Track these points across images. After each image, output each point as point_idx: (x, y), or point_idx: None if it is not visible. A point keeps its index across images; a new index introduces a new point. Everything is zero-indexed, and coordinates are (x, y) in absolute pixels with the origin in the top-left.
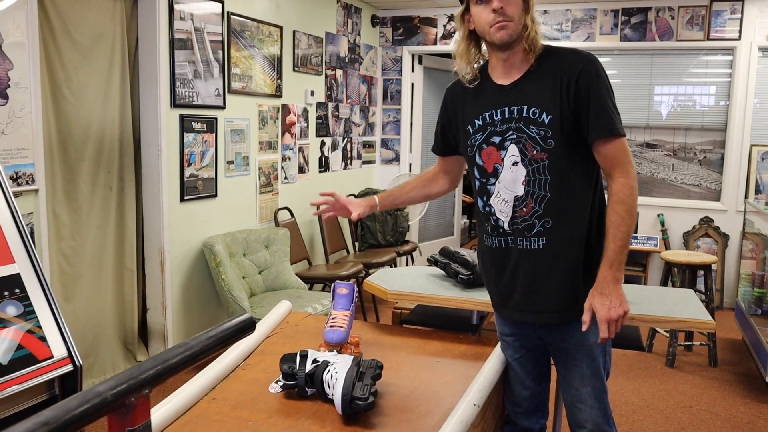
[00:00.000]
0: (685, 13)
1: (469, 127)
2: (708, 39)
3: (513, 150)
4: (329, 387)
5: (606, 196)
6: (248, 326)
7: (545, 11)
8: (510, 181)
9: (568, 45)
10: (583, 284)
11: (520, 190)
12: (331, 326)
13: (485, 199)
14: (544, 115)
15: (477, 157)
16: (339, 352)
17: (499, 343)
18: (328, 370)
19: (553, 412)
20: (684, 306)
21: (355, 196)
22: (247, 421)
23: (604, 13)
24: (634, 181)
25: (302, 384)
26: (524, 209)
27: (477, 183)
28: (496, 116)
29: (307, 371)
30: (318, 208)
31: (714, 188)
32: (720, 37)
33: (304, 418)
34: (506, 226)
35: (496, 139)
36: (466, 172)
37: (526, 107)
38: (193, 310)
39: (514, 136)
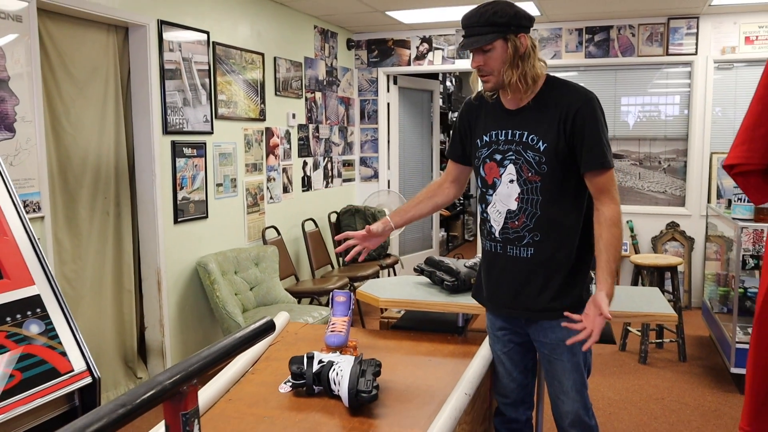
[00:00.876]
0: (645, 30)
1: (478, 140)
2: (667, 54)
3: (511, 169)
4: (335, 384)
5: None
6: (270, 327)
7: None
8: (505, 196)
9: None
10: (565, 289)
11: (514, 206)
12: (332, 331)
13: (483, 206)
14: (540, 143)
15: (481, 169)
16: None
17: (485, 340)
18: (334, 369)
19: (536, 405)
20: (650, 303)
21: (338, 214)
22: (263, 417)
23: (569, 32)
24: (619, 206)
25: (310, 383)
26: (516, 222)
27: (479, 191)
28: (501, 136)
29: (314, 371)
30: (345, 254)
31: (679, 194)
32: (678, 52)
33: (314, 412)
34: (497, 234)
35: (498, 157)
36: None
37: (526, 133)
38: (189, 328)
39: (513, 157)
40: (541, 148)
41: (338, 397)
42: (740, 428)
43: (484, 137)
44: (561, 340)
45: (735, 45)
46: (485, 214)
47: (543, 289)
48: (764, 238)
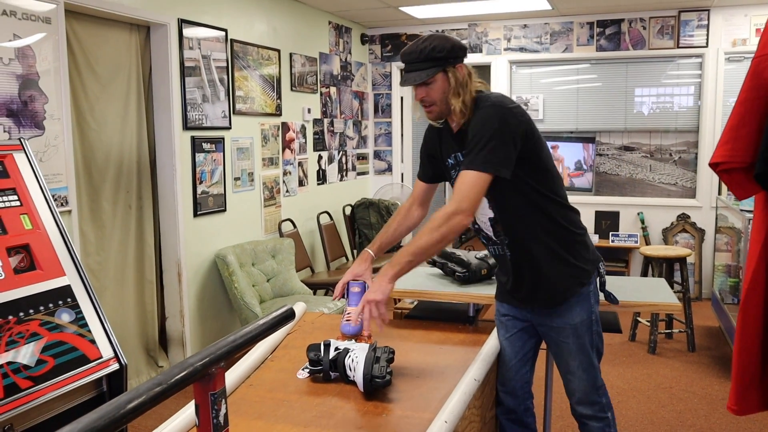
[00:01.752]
0: (656, 23)
1: (446, 162)
2: (678, 47)
3: None
4: (351, 370)
5: (564, 215)
6: (290, 315)
7: (525, 25)
8: (480, 209)
9: (548, 56)
10: (552, 283)
11: (491, 213)
12: (347, 320)
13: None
14: None
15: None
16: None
17: (494, 329)
18: (349, 356)
19: (544, 397)
20: (656, 293)
21: (352, 207)
22: (282, 401)
23: (580, 26)
24: (461, 215)
25: (327, 369)
26: (498, 227)
27: None
28: (457, 159)
29: (330, 357)
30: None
31: (689, 186)
32: (689, 45)
33: (330, 396)
34: (494, 237)
35: None
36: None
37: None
38: (208, 318)
39: None
40: None
41: (353, 383)
42: (728, 407)
43: (449, 160)
44: (566, 323)
45: (746, 37)
46: (476, 225)
47: (536, 284)
48: None
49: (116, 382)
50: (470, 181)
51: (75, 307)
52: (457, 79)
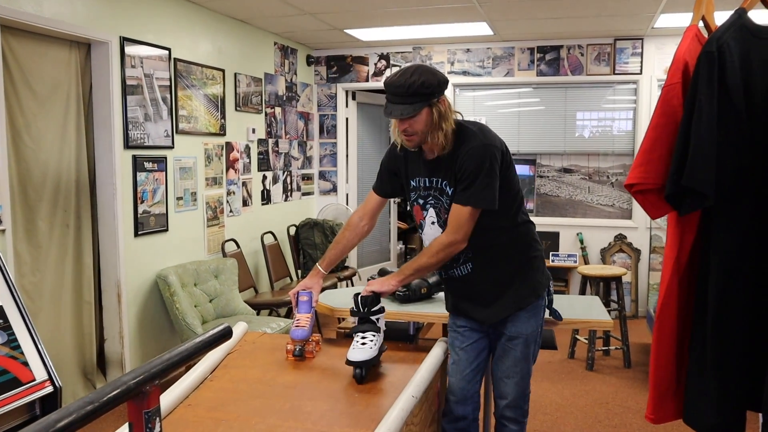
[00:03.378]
0: (593, 50)
1: (409, 183)
2: (614, 73)
3: (431, 212)
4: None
5: (527, 230)
6: (227, 333)
7: (468, 49)
8: (430, 236)
9: (490, 80)
10: (513, 290)
11: None
12: (296, 326)
13: (422, 242)
14: (448, 188)
15: (412, 210)
16: (302, 348)
17: (434, 347)
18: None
19: (484, 403)
20: (590, 310)
21: (296, 227)
22: (221, 421)
23: (521, 51)
24: (457, 244)
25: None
26: (467, 248)
27: (417, 227)
28: (422, 183)
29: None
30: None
31: (626, 207)
32: (624, 71)
33: (269, 416)
34: (459, 256)
35: (422, 201)
36: (399, 200)
37: (439, 180)
38: (149, 339)
39: (433, 202)
40: (450, 192)
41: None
42: (646, 417)
43: (411, 182)
44: (519, 333)
45: None
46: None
47: (492, 297)
48: None
49: (50, 405)
50: (466, 215)
51: (7, 328)
52: (440, 112)
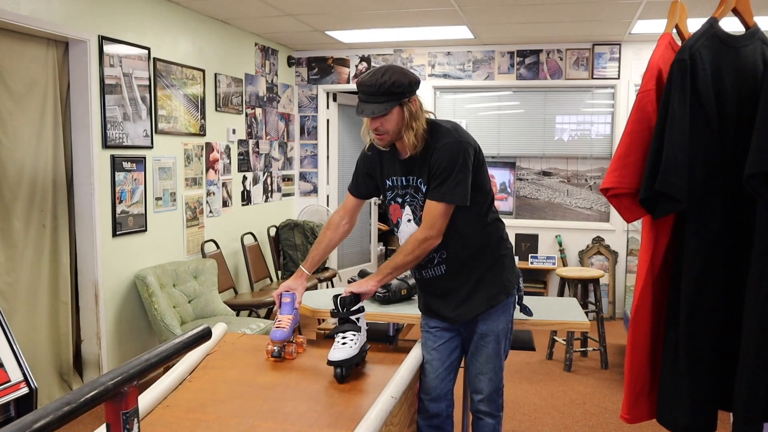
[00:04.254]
0: (572, 55)
1: (384, 183)
2: (593, 78)
3: (408, 210)
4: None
5: (497, 228)
6: (206, 334)
7: (449, 53)
8: (406, 233)
9: (470, 83)
10: (484, 288)
11: None
12: (277, 327)
13: (398, 241)
14: (423, 186)
15: (388, 210)
16: (281, 349)
17: (413, 348)
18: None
19: (463, 398)
20: (567, 311)
21: (277, 228)
22: (200, 421)
23: (501, 55)
24: (432, 240)
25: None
26: (440, 246)
27: (392, 227)
28: (398, 182)
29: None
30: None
31: (604, 210)
32: (602, 76)
33: (247, 417)
34: (433, 254)
35: (399, 200)
36: (379, 201)
37: (414, 178)
38: (126, 340)
39: (409, 200)
40: (424, 190)
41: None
42: (621, 417)
43: (387, 182)
44: (490, 330)
45: None
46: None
47: (464, 295)
48: None
49: (25, 406)
50: (440, 211)
51: None
52: (411, 112)
